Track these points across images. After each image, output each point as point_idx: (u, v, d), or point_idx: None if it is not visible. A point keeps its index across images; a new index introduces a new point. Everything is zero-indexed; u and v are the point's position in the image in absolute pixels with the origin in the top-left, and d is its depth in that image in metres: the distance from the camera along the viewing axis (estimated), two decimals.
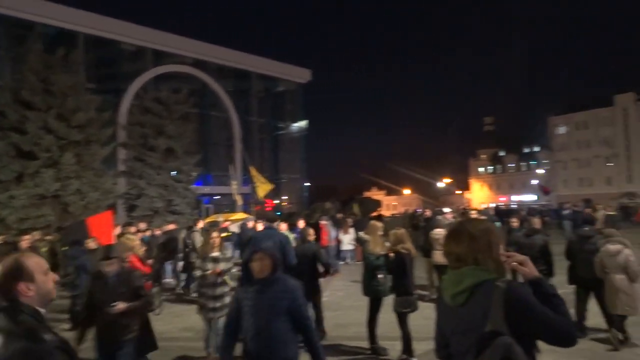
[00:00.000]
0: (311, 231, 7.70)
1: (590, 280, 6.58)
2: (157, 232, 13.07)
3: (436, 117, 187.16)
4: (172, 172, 25.43)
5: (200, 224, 12.35)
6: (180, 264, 11.96)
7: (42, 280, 2.00)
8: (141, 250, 6.55)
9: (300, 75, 50.35)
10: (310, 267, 7.12)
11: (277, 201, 42.45)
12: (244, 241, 10.81)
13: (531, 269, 2.03)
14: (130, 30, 34.88)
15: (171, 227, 13.42)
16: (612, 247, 6.24)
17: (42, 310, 1.98)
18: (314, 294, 7.03)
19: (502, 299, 1.88)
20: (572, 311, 7.38)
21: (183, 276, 11.86)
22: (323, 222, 14.96)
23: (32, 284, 1.96)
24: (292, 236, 9.51)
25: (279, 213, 21.05)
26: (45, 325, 1.94)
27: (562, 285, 10.38)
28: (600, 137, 74.38)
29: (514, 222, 7.91)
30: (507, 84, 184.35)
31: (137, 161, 25.20)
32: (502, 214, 27.50)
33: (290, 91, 50.91)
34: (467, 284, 1.99)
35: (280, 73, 48.58)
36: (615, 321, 6.43)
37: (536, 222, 8.08)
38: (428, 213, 16.08)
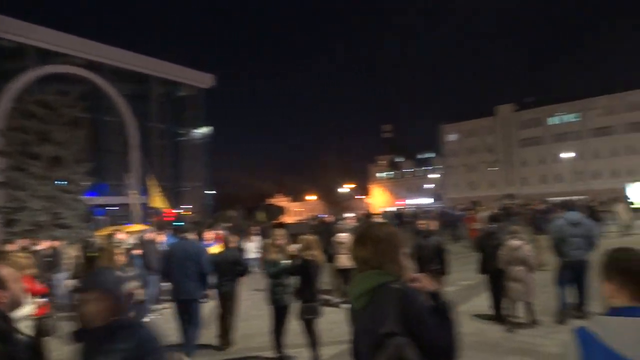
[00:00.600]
0: (233, 238, 7.94)
1: (494, 270, 7.54)
2: (42, 247, 11.91)
3: (339, 124, 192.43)
4: (59, 182, 23.36)
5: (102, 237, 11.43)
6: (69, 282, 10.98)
7: (15, 288, 2.22)
8: (34, 269, 5.87)
9: (203, 80, 49.06)
10: (232, 272, 7.34)
11: (178, 210, 40.87)
12: (148, 255, 10.20)
13: (429, 284, 2.09)
14: (9, 25, 31.72)
15: (56, 243, 12.27)
16: (515, 242, 7.24)
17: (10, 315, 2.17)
18: (232, 299, 7.29)
19: (396, 300, 1.91)
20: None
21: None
22: (220, 231, 14.57)
23: (6, 292, 2.16)
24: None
25: (181, 223, 20.25)
26: (15, 328, 2.16)
27: (467, 278, 11.19)
28: (485, 144, 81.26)
29: (422, 225, 8.31)
30: (404, 93, 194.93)
31: (17, 171, 22.82)
32: (404, 217, 28.78)
33: (192, 96, 49.39)
34: (367, 286, 2.02)
35: (182, 77, 46.98)
36: (508, 307, 7.38)
37: (432, 224, 8.52)
38: (330, 218, 16.37)
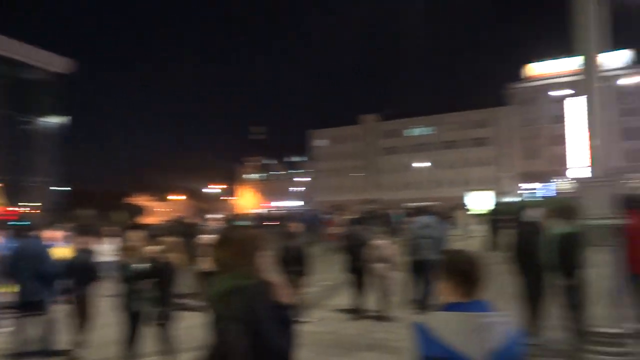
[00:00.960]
0: (84, 239, 7.48)
1: (358, 269, 8.29)
2: None
3: (208, 123, 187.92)
4: None
5: None
6: None
7: None
8: None
9: (58, 64, 44.27)
10: (83, 277, 6.87)
11: (20, 208, 36.23)
12: None
13: (285, 293, 2.15)
14: None
15: None
16: (378, 242, 8.08)
17: None
18: (84, 305, 6.81)
19: (246, 295, 1.98)
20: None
21: None
22: (68, 232, 13.21)
23: None
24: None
25: (24, 222, 17.93)
26: None
27: (328, 278, 11.52)
28: (350, 151, 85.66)
29: (293, 227, 8.41)
30: (276, 97, 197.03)
31: None
32: (269, 219, 28.90)
33: (44, 81, 44.23)
34: (227, 287, 2.04)
35: (32, 59, 41.87)
36: (369, 304, 8.12)
37: (294, 226, 8.67)
38: (194, 219, 15.84)
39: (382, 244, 8.02)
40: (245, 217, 23.83)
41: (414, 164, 76.27)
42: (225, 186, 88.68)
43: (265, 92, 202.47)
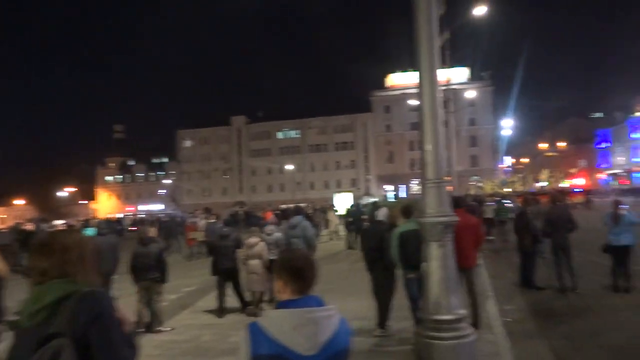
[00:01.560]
0: None
1: (228, 269, 8.40)
2: None
3: (64, 122, 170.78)
4: None
5: None
6: None
7: None
8: None
9: None
10: None
11: None
12: None
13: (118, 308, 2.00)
14: None
15: None
16: (252, 240, 8.42)
17: None
18: None
19: (77, 302, 1.80)
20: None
21: None
22: None
23: None
24: None
25: None
26: None
27: (190, 284, 11.07)
28: (219, 152, 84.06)
29: (151, 232, 7.90)
30: (139, 94, 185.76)
31: None
32: (123, 223, 27.09)
33: None
34: (50, 298, 1.82)
35: None
36: (255, 299, 8.36)
37: (152, 231, 8.23)
38: (30, 226, 14.25)
39: (257, 241, 8.38)
40: (99, 222, 21.99)
41: (283, 166, 77.55)
42: (79, 189, 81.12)
43: (131, 92, 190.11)
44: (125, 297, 8.76)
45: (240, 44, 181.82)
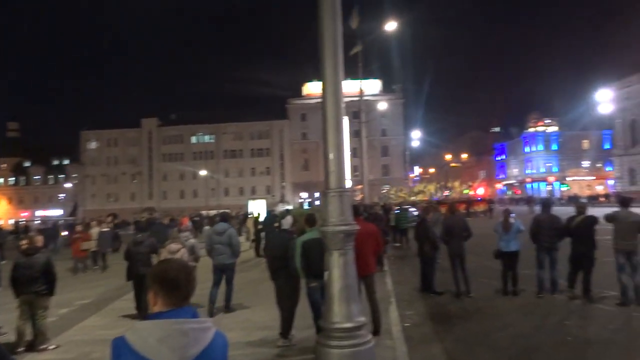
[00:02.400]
0: None
1: (143, 275, 8.06)
2: None
3: None
4: None
5: None
6: None
7: None
8: None
9: None
10: None
11: None
12: None
13: None
14: None
15: None
16: (174, 246, 8.32)
17: None
18: None
19: None
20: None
21: None
22: None
23: None
24: None
25: None
26: None
27: (84, 296, 10.21)
28: (128, 155, 79.85)
29: (38, 241, 7.19)
30: (37, 90, 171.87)
31: None
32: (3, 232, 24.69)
33: None
34: None
35: None
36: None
37: (38, 240, 7.54)
38: None
39: (178, 247, 8.38)
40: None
41: (196, 171, 75.39)
42: None
43: (28, 87, 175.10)
44: (4, 313, 7.98)
45: (154, 44, 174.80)
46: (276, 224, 11.87)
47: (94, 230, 16.97)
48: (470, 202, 41.28)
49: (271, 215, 18.49)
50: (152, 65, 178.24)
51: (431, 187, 52.92)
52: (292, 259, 6.38)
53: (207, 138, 79.60)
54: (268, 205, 48.14)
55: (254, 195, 70.58)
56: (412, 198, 46.18)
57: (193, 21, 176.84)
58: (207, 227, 17.94)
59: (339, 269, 4.95)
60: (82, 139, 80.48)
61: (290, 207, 31.36)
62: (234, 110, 76.84)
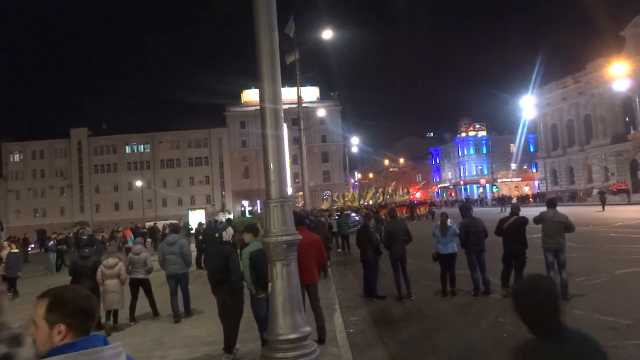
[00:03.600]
0: None
1: (88, 289, 7.94)
2: None
3: None
4: None
5: None
6: None
7: None
8: None
9: None
10: None
11: None
12: None
13: None
14: None
15: None
16: (111, 260, 8.90)
17: None
18: None
19: None
20: None
21: None
22: None
23: None
24: None
25: None
26: None
27: None
28: (56, 168, 75.53)
29: None
30: None
31: None
32: None
33: None
34: None
35: None
36: (113, 317, 8.94)
37: None
38: None
39: (116, 261, 8.81)
40: None
41: (132, 182, 72.56)
42: None
43: None
44: None
45: (82, 49, 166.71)
46: (216, 235, 11.59)
47: (5, 252, 15.25)
48: (412, 206, 42.11)
49: (211, 226, 18.08)
50: (82, 73, 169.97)
51: (370, 193, 53.77)
52: (234, 271, 6.25)
53: (142, 147, 76.79)
54: (208, 215, 47.20)
55: (193, 205, 68.93)
56: (355, 204, 46.76)
57: (129, 27, 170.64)
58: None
59: (282, 280, 4.90)
60: (3, 151, 75.29)
61: (230, 216, 30.89)
62: (170, 119, 74.89)
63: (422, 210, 41.95)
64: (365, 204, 47.11)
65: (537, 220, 8.84)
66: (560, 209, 8.98)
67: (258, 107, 5.33)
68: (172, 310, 9.09)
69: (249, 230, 6.48)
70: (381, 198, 50.19)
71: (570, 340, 1.96)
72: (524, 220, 9.02)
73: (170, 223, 14.68)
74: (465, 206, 10.09)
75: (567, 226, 8.56)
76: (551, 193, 56.02)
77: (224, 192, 77.19)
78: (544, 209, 8.96)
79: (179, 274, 9.17)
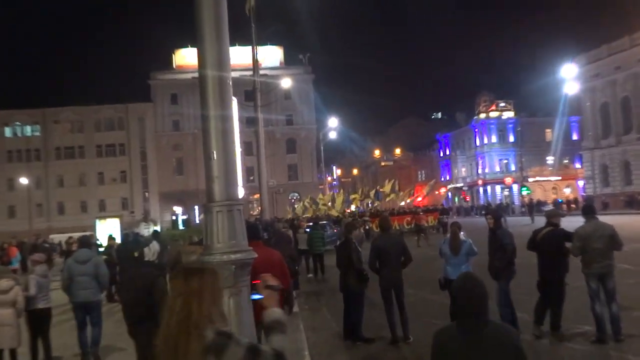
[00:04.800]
0: None
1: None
2: None
3: None
4: None
5: None
6: None
7: None
8: None
9: None
10: None
11: None
12: None
13: None
14: None
15: None
16: (5, 283, 8.89)
17: None
18: None
19: None
20: None
21: None
22: None
23: None
24: None
25: None
26: None
27: None
28: None
29: None
30: None
31: None
32: None
33: None
34: None
35: None
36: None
37: None
38: None
39: (7, 286, 8.86)
40: None
41: (14, 179, 71.13)
42: None
43: None
44: None
45: None
46: (135, 254, 11.41)
47: None
48: (416, 213, 41.55)
49: (129, 240, 17.87)
50: None
51: (356, 195, 54.03)
52: (162, 304, 6.20)
53: (28, 130, 75.30)
54: (125, 226, 46.64)
55: (103, 212, 67.97)
56: (333, 212, 46.88)
57: None
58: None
59: (229, 315, 4.90)
60: None
61: (157, 228, 30.62)
62: (71, 90, 73.60)
63: (430, 220, 41.82)
64: (347, 211, 47.36)
65: (576, 237, 8.91)
66: (609, 218, 9.18)
67: (196, 75, 5.32)
68: (80, 346, 9.29)
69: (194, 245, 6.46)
70: (373, 201, 50.41)
71: (489, 330, 3.27)
72: (562, 234, 9.17)
73: (84, 236, 15.05)
74: (497, 213, 10.35)
75: (613, 241, 8.71)
76: (597, 197, 56.98)
77: (147, 194, 76.43)
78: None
79: (92, 302, 9.45)
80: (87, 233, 25.95)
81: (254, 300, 5.23)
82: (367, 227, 30.60)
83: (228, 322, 2.95)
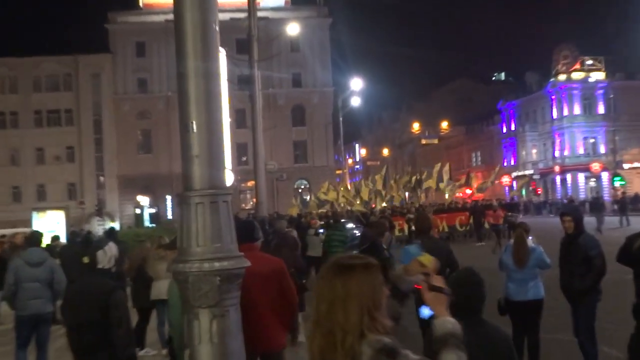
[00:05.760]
0: None
1: None
2: None
3: None
4: None
5: None
6: None
7: None
8: None
9: None
10: None
11: None
12: None
13: None
14: None
15: None
16: None
17: None
18: None
19: None
20: None
21: None
22: None
23: None
24: None
25: None
26: None
27: None
28: None
29: None
30: None
31: None
32: None
33: None
34: None
35: None
36: None
37: None
38: None
39: None
40: None
41: None
42: None
43: None
44: None
45: None
46: (85, 259, 11.45)
47: None
48: (479, 210, 41.16)
49: (76, 241, 18.06)
50: None
51: (406, 178, 53.04)
52: (118, 326, 6.28)
53: None
54: (72, 222, 47.02)
55: (43, 201, 68.46)
56: (358, 205, 46.94)
57: None
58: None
59: (210, 344, 4.95)
60: None
61: (114, 225, 30.87)
62: (1, 36, 73.89)
63: (462, 220, 41.90)
64: (373, 206, 47.33)
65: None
66: None
67: (170, 17, 5.35)
68: None
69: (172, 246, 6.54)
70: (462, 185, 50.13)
71: (484, 330, 4.25)
72: None
73: (33, 232, 15.19)
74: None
75: None
76: None
77: (102, 179, 76.90)
78: None
79: (43, 315, 9.71)
80: (21, 230, 26.12)
81: (249, 325, 5.29)
82: (412, 228, 30.53)
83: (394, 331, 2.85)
